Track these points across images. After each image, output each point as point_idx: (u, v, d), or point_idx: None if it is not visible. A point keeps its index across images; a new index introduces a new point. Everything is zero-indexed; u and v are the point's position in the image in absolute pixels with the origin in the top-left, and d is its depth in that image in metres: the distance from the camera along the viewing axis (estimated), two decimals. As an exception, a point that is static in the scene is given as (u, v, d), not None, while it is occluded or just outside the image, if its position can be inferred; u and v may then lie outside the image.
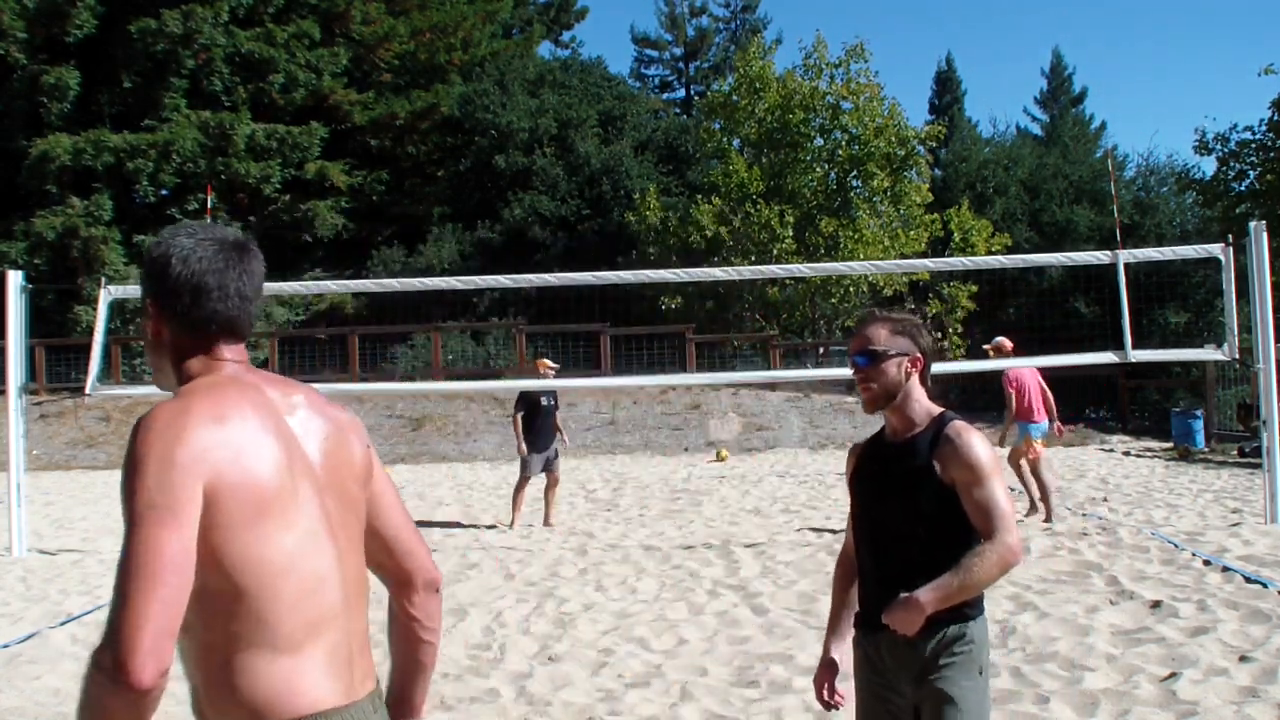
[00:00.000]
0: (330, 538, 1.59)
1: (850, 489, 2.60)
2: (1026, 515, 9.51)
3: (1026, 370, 9.70)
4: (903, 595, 2.32)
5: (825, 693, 2.61)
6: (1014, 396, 9.67)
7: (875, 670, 2.49)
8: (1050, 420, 9.81)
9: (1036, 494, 9.65)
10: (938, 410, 2.52)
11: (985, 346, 10.59)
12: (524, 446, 10.27)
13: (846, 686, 2.60)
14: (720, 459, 17.88)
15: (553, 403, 10.56)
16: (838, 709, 2.64)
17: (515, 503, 10.38)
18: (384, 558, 1.74)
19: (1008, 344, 10.16)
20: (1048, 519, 9.41)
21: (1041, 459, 9.64)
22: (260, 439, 1.53)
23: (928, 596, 2.31)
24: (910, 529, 2.42)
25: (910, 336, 2.53)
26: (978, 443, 2.41)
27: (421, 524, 10.70)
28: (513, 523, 10.27)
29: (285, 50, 29.36)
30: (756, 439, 19.63)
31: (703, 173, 29.14)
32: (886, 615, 2.35)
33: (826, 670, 2.63)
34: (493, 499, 12.90)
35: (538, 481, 10.51)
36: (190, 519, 1.41)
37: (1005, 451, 9.71)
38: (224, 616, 1.47)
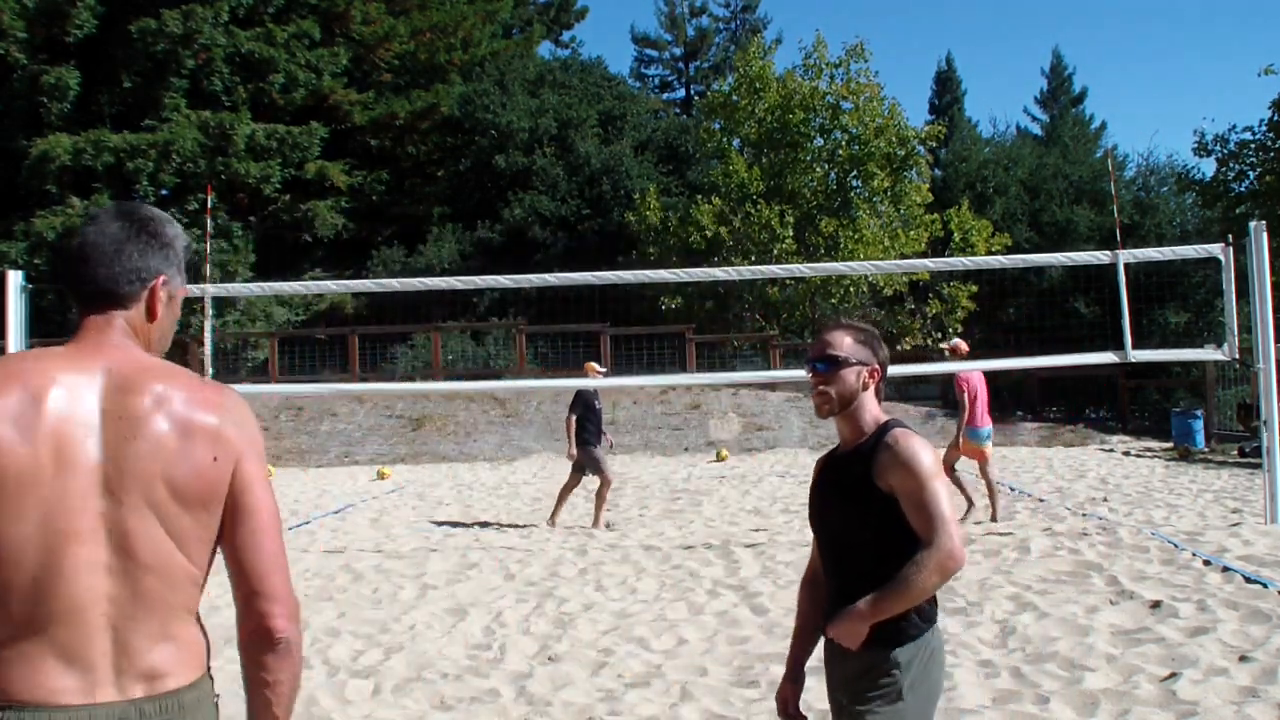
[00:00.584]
0: (84, 538, 1.50)
1: (809, 499, 2.60)
2: (963, 517, 9.57)
3: (976, 374, 9.89)
4: (847, 608, 2.34)
5: (788, 708, 2.61)
6: (969, 400, 9.83)
7: (832, 680, 2.54)
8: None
9: (984, 495, 9.82)
10: (884, 418, 2.52)
11: (942, 346, 10.75)
12: (574, 449, 10.22)
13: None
14: (720, 459, 17.88)
15: (600, 405, 10.63)
16: None
17: (560, 501, 10.44)
18: (232, 586, 1.63)
19: (964, 346, 10.38)
20: (994, 518, 9.58)
21: (989, 460, 9.87)
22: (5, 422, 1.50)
23: (868, 607, 2.31)
24: (859, 538, 2.41)
25: (871, 347, 2.54)
26: (917, 448, 2.38)
27: (422, 524, 10.70)
28: (553, 519, 10.30)
29: (285, 50, 29.36)
30: (756, 439, 19.64)
31: (703, 173, 29.15)
32: (830, 628, 2.38)
33: (789, 684, 2.63)
34: (493, 499, 12.91)
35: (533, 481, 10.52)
36: None
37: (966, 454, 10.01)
38: None
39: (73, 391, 1.55)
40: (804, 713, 2.62)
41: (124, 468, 1.53)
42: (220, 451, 1.58)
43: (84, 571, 1.50)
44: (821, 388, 2.50)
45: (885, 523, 2.36)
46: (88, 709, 1.49)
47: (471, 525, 10.67)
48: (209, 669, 1.67)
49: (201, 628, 1.67)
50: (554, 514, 10.37)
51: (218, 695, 1.68)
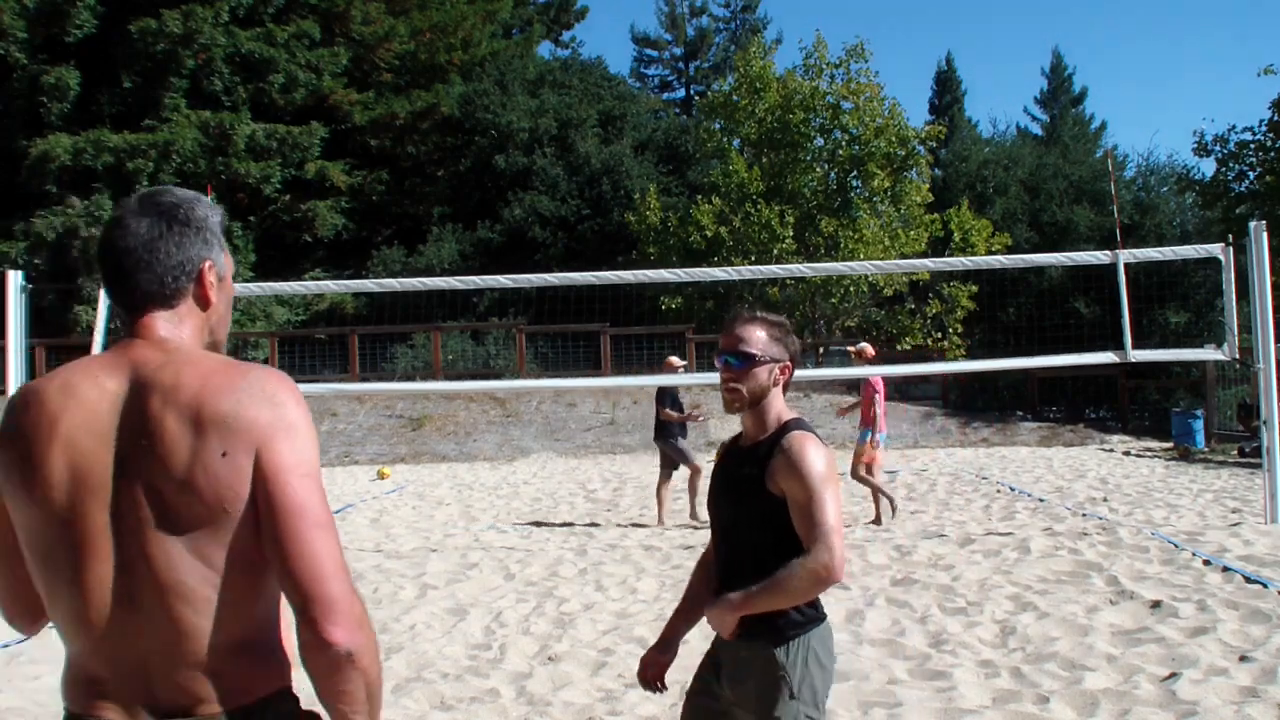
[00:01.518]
0: (100, 563, 1.44)
1: (709, 487, 2.58)
2: (879, 521, 9.75)
3: (879, 379, 10.16)
4: (723, 596, 2.35)
5: (648, 671, 2.57)
6: (876, 403, 10.05)
7: (709, 663, 2.51)
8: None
9: (878, 495, 9.98)
10: (788, 417, 2.45)
11: (849, 349, 11.16)
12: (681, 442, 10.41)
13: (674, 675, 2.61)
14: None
15: (683, 398, 10.86)
16: (655, 692, 2.61)
17: (661, 499, 10.48)
18: (285, 590, 1.46)
19: (869, 350, 10.61)
20: (877, 520, 9.74)
21: (876, 464, 10.11)
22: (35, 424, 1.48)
23: (737, 600, 2.31)
24: (745, 533, 2.39)
25: (784, 343, 2.47)
26: (812, 454, 2.32)
27: (422, 523, 10.69)
28: (660, 519, 10.35)
29: (285, 50, 29.36)
30: (756, 439, 19.63)
31: (703, 173, 29.15)
32: (705, 610, 2.39)
33: (657, 653, 2.58)
34: (493, 499, 12.90)
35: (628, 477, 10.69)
36: None
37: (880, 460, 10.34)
38: None
39: (91, 403, 1.47)
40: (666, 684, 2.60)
41: (135, 482, 1.43)
42: (230, 444, 1.41)
43: (103, 597, 1.44)
44: (733, 384, 2.42)
45: (770, 523, 2.33)
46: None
47: (559, 525, 10.66)
48: (275, 694, 1.52)
49: (266, 649, 1.53)
50: (660, 515, 10.39)
51: None
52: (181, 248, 1.55)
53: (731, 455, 2.53)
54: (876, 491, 9.90)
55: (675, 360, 10.89)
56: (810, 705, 2.33)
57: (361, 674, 1.44)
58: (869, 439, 9.99)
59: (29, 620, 1.61)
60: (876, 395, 9.98)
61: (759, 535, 2.36)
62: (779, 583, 2.27)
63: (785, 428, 2.41)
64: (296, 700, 1.56)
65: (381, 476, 16.16)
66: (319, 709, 1.52)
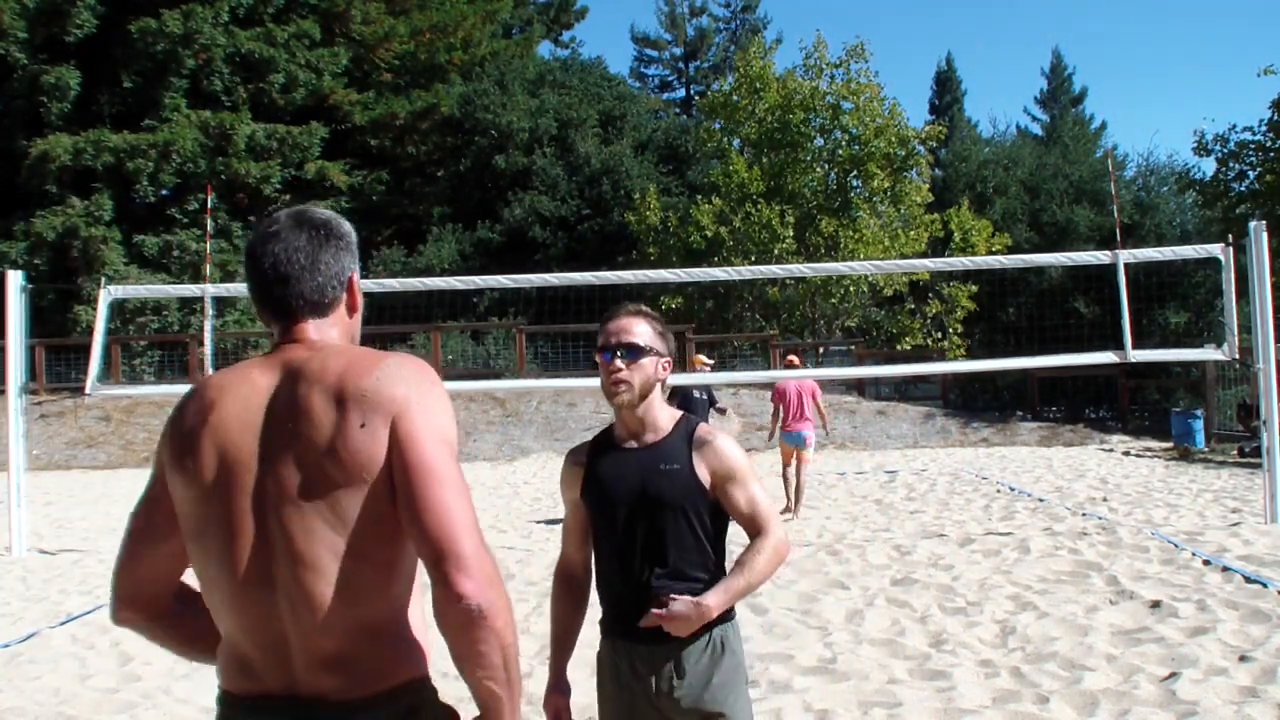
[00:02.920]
0: (245, 543, 1.51)
1: (583, 498, 2.44)
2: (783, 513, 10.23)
3: (792, 383, 10.70)
4: (685, 598, 2.28)
5: (561, 716, 2.51)
6: (784, 406, 10.70)
7: (625, 682, 2.40)
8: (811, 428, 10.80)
9: (794, 495, 10.42)
10: (679, 414, 2.47)
11: (791, 359, 12.20)
12: None
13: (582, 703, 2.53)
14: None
15: (705, 396, 10.70)
16: None
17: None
18: (419, 549, 1.50)
19: (796, 359, 12.00)
20: (793, 511, 10.23)
21: (806, 462, 10.62)
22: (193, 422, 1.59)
23: (716, 600, 2.29)
24: (665, 537, 2.35)
25: (665, 338, 2.47)
26: (733, 445, 2.41)
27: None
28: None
29: (285, 50, 29.37)
30: (756, 439, 19.63)
31: (703, 173, 29.15)
32: (663, 617, 2.27)
33: (559, 695, 2.50)
34: (493, 499, 12.90)
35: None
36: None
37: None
38: None
39: (242, 397, 1.57)
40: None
41: (278, 462, 1.51)
42: (369, 416, 1.48)
43: (250, 576, 1.51)
44: (621, 375, 2.38)
45: (699, 515, 2.36)
46: (262, 701, 1.54)
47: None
48: (408, 683, 1.55)
49: (396, 634, 1.56)
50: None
51: (406, 717, 1.54)
52: (336, 259, 1.65)
53: (617, 460, 2.42)
54: (797, 487, 10.39)
55: (703, 358, 10.99)
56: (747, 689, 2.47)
57: (495, 636, 1.46)
58: (784, 439, 10.58)
59: (136, 609, 1.66)
60: (781, 400, 10.70)
61: (688, 529, 2.36)
62: (751, 568, 2.33)
63: (690, 422, 2.45)
64: (434, 690, 1.59)
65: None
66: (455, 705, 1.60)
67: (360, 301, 1.71)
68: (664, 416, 2.44)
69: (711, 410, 10.59)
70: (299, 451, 1.50)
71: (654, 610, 2.29)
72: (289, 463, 1.50)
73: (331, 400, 1.50)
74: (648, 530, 2.35)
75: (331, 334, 1.65)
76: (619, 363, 2.38)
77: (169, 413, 1.66)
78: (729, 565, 2.42)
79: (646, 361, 2.40)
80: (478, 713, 1.56)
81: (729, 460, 2.37)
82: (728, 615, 2.38)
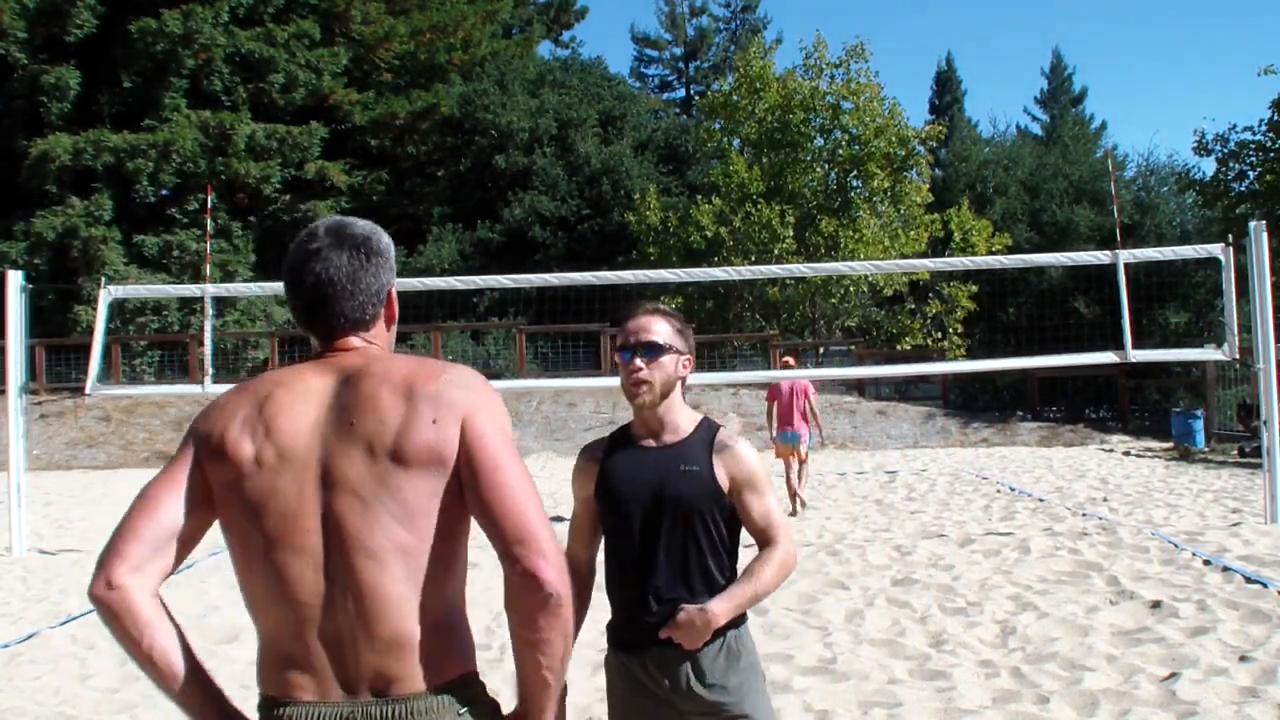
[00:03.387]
0: (305, 534, 1.51)
1: (596, 496, 2.40)
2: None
3: (785, 384, 10.81)
4: (690, 607, 2.26)
5: None
6: (773, 405, 10.92)
7: (642, 689, 2.36)
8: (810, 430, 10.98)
9: (799, 494, 10.65)
10: (700, 416, 2.44)
11: (786, 360, 12.54)
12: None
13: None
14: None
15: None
16: None
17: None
18: (493, 545, 1.52)
19: (790, 360, 12.71)
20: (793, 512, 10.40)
21: (804, 461, 10.79)
22: (247, 423, 1.57)
23: (722, 608, 2.27)
24: (681, 538, 2.32)
25: (685, 336, 2.44)
26: (754, 453, 2.40)
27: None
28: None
29: (285, 50, 29.37)
30: (756, 439, 19.63)
31: (703, 173, 29.15)
32: (671, 631, 2.26)
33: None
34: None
35: None
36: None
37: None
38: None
39: (298, 393, 1.58)
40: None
41: (342, 454, 1.52)
42: (440, 413, 1.54)
43: (305, 569, 1.51)
44: (641, 375, 2.35)
45: (715, 523, 2.34)
46: (318, 706, 1.51)
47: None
48: (462, 677, 1.57)
49: (455, 626, 1.58)
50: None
51: (464, 709, 1.54)
52: (376, 277, 1.68)
53: (633, 460, 2.39)
54: (792, 487, 10.54)
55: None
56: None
57: (563, 625, 1.51)
58: (779, 440, 10.70)
59: (130, 572, 1.55)
60: (773, 400, 10.87)
61: (704, 532, 2.34)
62: (760, 577, 2.32)
63: (711, 424, 2.43)
64: (483, 684, 1.61)
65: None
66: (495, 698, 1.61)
67: (396, 313, 1.75)
68: (685, 418, 2.42)
69: None
70: (364, 446, 1.52)
71: (667, 630, 2.27)
72: (353, 457, 1.52)
73: (400, 397, 1.55)
74: (662, 531, 2.32)
75: (373, 345, 1.69)
76: (639, 362, 2.36)
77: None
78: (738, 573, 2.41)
79: (666, 360, 2.37)
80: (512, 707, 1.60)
81: (749, 467, 2.36)
82: (738, 619, 2.36)
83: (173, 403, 20.79)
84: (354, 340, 1.66)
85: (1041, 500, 10.99)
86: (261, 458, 1.54)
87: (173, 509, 1.56)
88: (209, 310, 10.13)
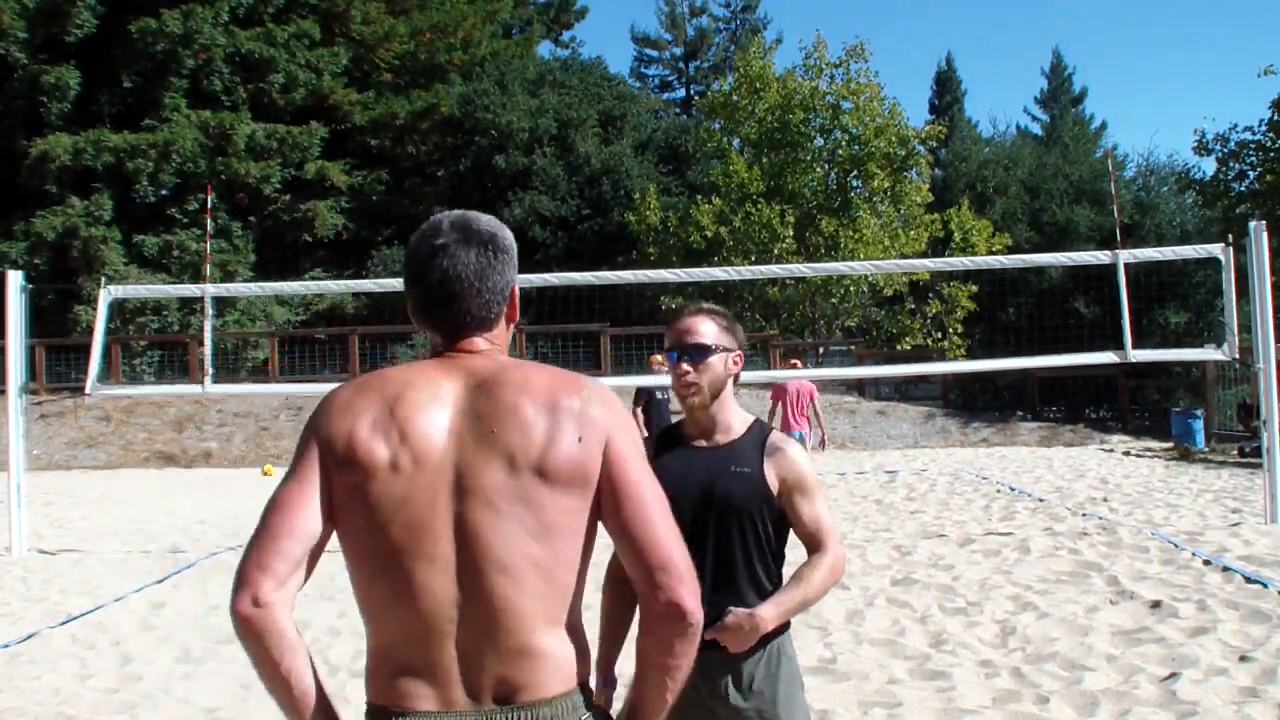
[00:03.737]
0: (437, 540, 1.49)
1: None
2: None
3: (792, 383, 10.96)
4: (739, 610, 2.26)
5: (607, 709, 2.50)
6: (783, 405, 11.16)
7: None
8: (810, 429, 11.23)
9: None
10: (751, 417, 2.43)
11: (793, 361, 12.95)
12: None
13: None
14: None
15: (667, 397, 10.67)
16: None
17: None
18: (629, 571, 1.54)
19: (797, 362, 13.36)
20: None
21: None
22: (375, 427, 1.53)
23: (771, 613, 2.26)
24: (730, 540, 2.32)
25: (733, 332, 2.43)
26: (804, 455, 2.38)
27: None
28: None
29: (285, 50, 29.36)
30: (756, 439, 19.64)
31: (703, 173, 29.15)
32: (717, 633, 2.24)
33: (608, 686, 2.41)
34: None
35: None
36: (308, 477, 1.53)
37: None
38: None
39: (430, 395, 1.55)
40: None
41: (480, 463, 1.50)
42: (585, 431, 1.53)
43: (435, 576, 1.48)
44: (690, 378, 2.35)
45: (764, 526, 2.33)
46: (442, 716, 1.49)
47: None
48: (582, 684, 1.58)
49: (576, 636, 1.58)
50: None
51: (587, 714, 1.57)
52: (502, 275, 1.66)
53: (683, 459, 2.37)
54: None
55: (659, 359, 10.98)
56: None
57: (694, 649, 1.55)
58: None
59: (277, 586, 1.46)
60: (779, 400, 11.05)
61: (752, 533, 2.33)
62: (809, 582, 2.30)
63: (762, 427, 2.42)
64: (592, 692, 1.62)
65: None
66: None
67: (517, 313, 1.72)
68: (737, 418, 2.41)
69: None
70: (505, 456, 1.50)
71: (713, 632, 2.25)
72: (492, 466, 1.50)
73: (543, 411, 1.52)
74: (710, 532, 2.32)
75: (496, 345, 1.67)
76: (685, 365, 2.36)
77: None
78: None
79: (715, 360, 2.36)
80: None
81: (800, 470, 2.35)
82: (782, 626, 2.35)
83: (173, 403, 20.79)
84: (479, 341, 1.64)
85: (1041, 500, 10.99)
86: (396, 462, 1.50)
87: (309, 519, 1.50)
88: (209, 310, 10.13)
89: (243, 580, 1.46)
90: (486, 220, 1.68)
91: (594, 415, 1.55)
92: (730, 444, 2.36)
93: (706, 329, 2.38)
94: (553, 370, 1.61)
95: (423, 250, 1.64)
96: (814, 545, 2.35)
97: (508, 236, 1.69)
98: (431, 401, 1.54)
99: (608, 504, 1.53)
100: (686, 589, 1.50)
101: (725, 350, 2.38)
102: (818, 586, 2.31)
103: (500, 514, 1.49)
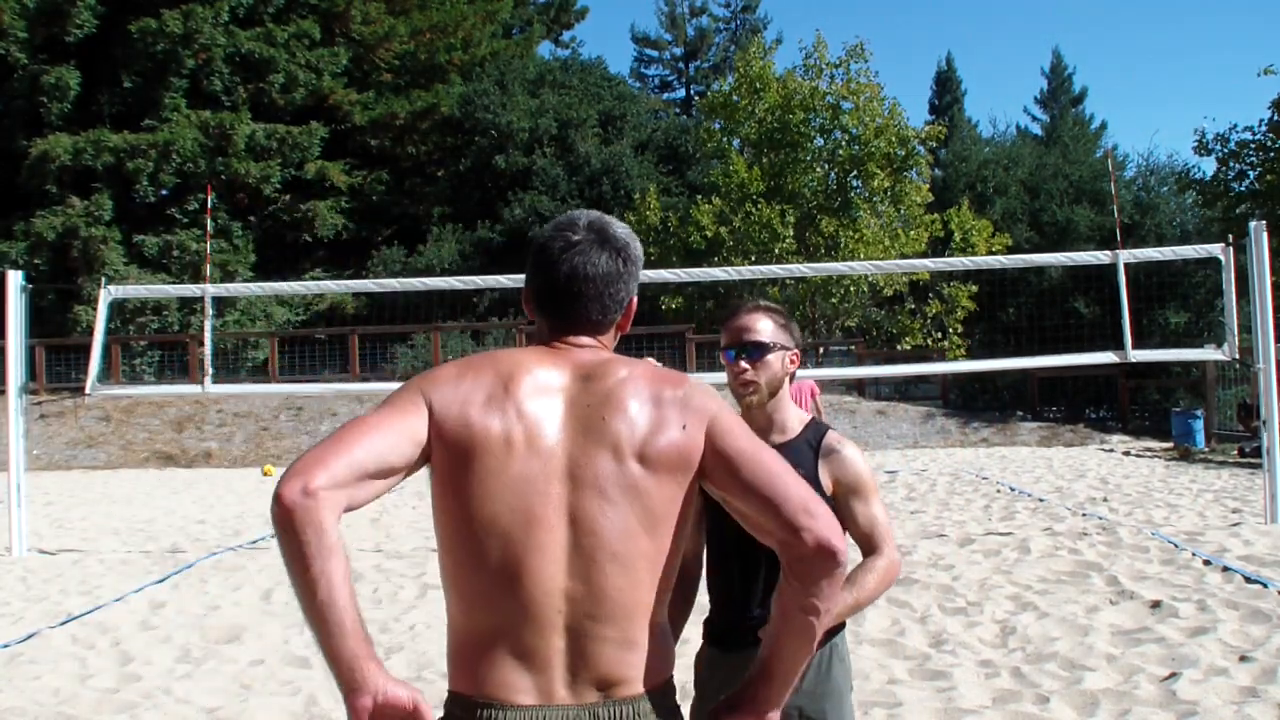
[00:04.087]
0: (548, 526, 1.48)
1: (702, 495, 2.39)
2: None
3: (802, 383, 10.91)
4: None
5: None
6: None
7: (729, 681, 2.36)
8: None
9: None
10: (809, 416, 2.41)
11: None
12: None
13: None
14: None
15: None
16: None
17: None
18: (766, 526, 1.52)
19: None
20: None
21: None
22: (484, 405, 1.52)
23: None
24: None
25: (790, 330, 2.41)
26: (861, 456, 2.35)
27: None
28: None
29: (285, 50, 29.38)
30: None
31: (703, 173, 29.15)
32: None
33: None
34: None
35: None
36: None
37: None
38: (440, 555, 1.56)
39: (542, 378, 1.55)
40: None
41: (590, 451, 1.50)
42: (689, 418, 1.54)
43: (545, 563, 1.47)
44: (748, 376, 2.34)
45: None
46: (542, 710, 1.46)
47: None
48: (667, 680, 1.58)
49: (665, 629, 1.58)
50: None
51: (675, 708, 1.57)
52: (627, 285, 1.67)
53: None
54: None
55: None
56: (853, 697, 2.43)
57: (838, 593, 1.57)
58: None
59: (335, 487, 1.38)
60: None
61: None
62: (864, 586, 2.26)
63: (819, 426, 2.38)
64: (675, 688, 1.62)
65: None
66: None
67: (629, 325, 1.72)
68: (793, 418, 2.38)
69: None
70: (611, 445, 1.51)
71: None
72: (602, 456, 1.50)
73: (648, 400, 1.54)
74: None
75: (601, 348, 1.67)
76: (744, 363, 2.34)
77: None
78: None
79: (772, 358, 2.34)
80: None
81: (855, 472, 2.31)
82: (836, 627, 2.32)
83: (173, 403, 20.79)
84: (586, 339, 1.64)
85: (1041, 500, 10.99)
86: (511, 440, 1.49)
87: (391, 444, 1.45)
88: (209, 310, 10.13)
89: (296, 469, 1.38)
90: (622, 228, 1.69)
91: (696, 403, 1.56)
92: (785, 444, 2.33)
93: (764, 326, 2.36)
94: (653, 364, 1.65)
95: (556, 243, 1.64)
96: (869, 548, 2.31)
97: (639, 249, 1.70)
98: (544, 385, 1.54)
99: (722, 474, 1.54)
100: (833, 530, 1.49)
101: (783, 348, 2.37)
102: (870, 590, 2.27)
103: (613, 503, 1.49)
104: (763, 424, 2.35)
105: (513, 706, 1.46)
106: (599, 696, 1.48)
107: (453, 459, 1.50)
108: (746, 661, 2.23)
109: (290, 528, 1.34)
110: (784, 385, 2.38)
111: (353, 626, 1.38)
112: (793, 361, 2.40)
